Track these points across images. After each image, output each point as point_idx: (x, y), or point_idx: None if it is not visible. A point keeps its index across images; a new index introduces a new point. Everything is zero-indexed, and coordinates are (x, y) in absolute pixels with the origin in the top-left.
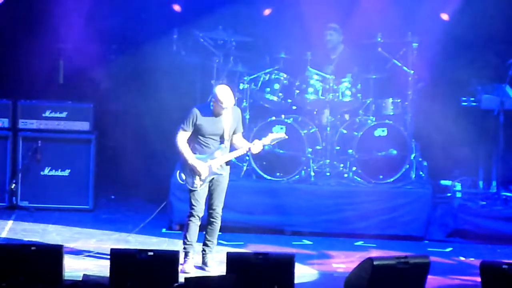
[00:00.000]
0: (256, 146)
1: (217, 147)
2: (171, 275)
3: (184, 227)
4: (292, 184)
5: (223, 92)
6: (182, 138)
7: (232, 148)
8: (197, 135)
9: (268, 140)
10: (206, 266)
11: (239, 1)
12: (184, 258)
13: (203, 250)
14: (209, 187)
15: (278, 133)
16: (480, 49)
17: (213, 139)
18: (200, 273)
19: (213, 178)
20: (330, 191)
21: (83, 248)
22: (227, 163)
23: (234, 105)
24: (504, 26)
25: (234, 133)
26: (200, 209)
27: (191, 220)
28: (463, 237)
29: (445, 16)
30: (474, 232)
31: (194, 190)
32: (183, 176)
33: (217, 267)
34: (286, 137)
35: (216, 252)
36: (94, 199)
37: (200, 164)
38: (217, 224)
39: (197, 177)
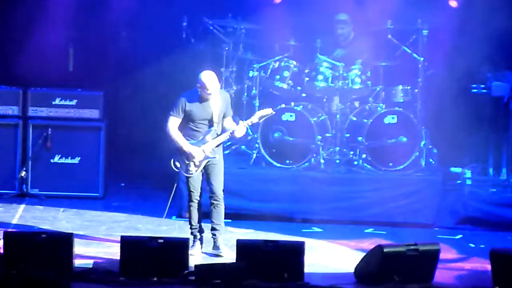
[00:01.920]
0: (240, 127)
1: (207, 131)
2: (181, 262)
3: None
4: (302, 171)
5: (208, 78)
6: (173, 125)
7: (224, 132)
8: (187, 121)
9: (256, 118)
10: (218, 249)
11: None
12: (193, 241)
13: (213, 234)
14: (206, 172)
15: (264, 110)
16: (490, 36)
17: (204, 124)
18: (212, 260)
19: (207, 163)
20: (340, 178)
21: (93, 235)
22: (218, 146)
23: (222, 89)
24: None
25: (224, 117)
26: (197, 193)
27: (190, 205)
28: (473, 224)
29: (453, 3)
30: (484, 219)
31: (190, 176)
32: (178, 164)
33: (228, 249)
34: (273, 112)
35: (226, 240)
36: (104, 186)
37: (194, 149)
38: (221, 206)
39: (192, 163)
